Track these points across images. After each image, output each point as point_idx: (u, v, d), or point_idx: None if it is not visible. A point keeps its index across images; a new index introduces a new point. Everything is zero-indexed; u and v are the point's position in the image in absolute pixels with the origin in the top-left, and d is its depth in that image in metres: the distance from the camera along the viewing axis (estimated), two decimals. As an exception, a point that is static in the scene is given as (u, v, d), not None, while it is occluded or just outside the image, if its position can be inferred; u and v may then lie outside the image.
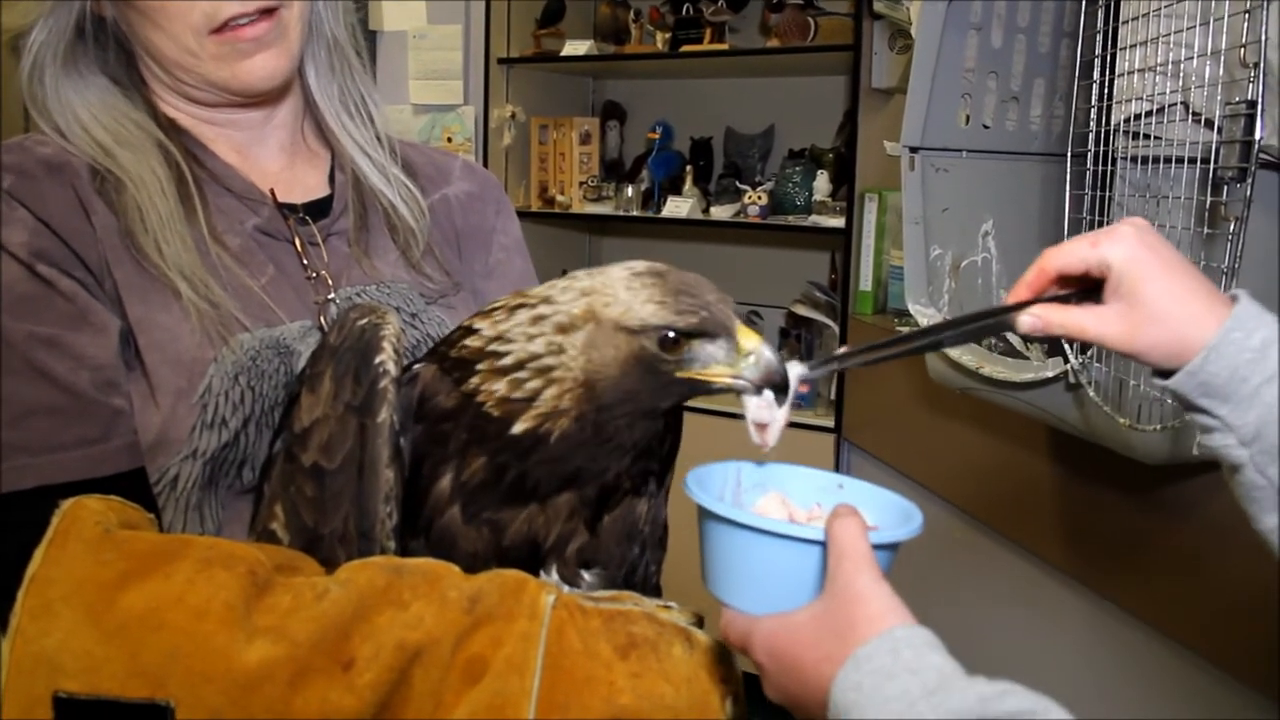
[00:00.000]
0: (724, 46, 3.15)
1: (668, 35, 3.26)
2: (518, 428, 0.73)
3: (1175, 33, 1.21)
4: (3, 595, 0.67)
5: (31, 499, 0.74)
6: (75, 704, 0.64)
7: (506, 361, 0.74)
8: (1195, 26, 1.17)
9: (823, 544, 0.68)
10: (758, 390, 0.73)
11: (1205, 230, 1.16)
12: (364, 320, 0.79)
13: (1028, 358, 1.77)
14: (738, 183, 3.25)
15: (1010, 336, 1.84)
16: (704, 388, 0.74)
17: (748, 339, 0.73)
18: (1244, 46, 1.11)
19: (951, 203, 1.85)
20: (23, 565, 0.67)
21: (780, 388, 0.73)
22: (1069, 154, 1.44)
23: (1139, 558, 1.70)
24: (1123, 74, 1.31)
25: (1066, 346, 1.42)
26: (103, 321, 0.82)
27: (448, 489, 0.77)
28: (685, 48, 3.20)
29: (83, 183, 0.87)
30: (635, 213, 3.37)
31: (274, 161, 0.99)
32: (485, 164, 3.27)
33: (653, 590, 0.89)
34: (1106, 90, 1.35)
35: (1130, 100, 1.31)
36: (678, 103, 3.63)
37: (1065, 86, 1.84)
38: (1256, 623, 1.44)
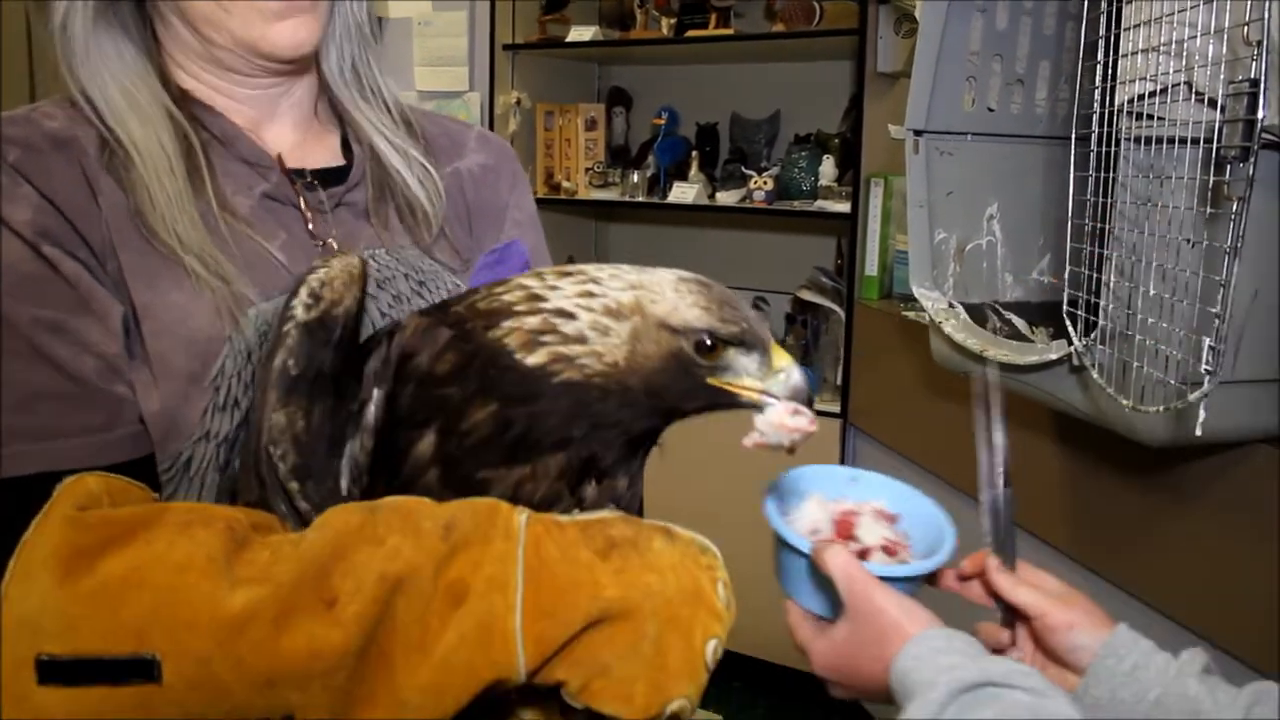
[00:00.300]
0: (729, 31, 3.14)
1: (673, 21, 3.25)
2: (532, 359, 0.73)
3: (1179, 12, 1.20)
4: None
5: (33, 485, 0.73)
6: (58, 665, 0.64)
7: (552, 304, 0.75)
8: (1199, 5, 1.16)
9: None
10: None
11: (1208, 210, 1.16)
12: (310, 267, 0.80)
13: (1032, 340, 1.77)
14: (743, 168, 3.25)
15: (1015, 319, 1.84)
16: (729, 399, 0.75)
17: (780, 357, 0.75)
18: (1247, 25, 1.10)
19: (956, 186, 1.85)
20: None
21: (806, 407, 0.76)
22: (1073, 136, 1.44)
23: (1142, 540, 1.70)
24: (1126, 54, 1.31)
25: (1070, 329, 1.42)
26: (105, 307, 0.81)
27: (429, 451, 0.77)
28: (690, 33, 3.19)
29: (90, 160, 0.85)
30: (641, 199, 3.37)
31: (286, 139, 0.98)
32: (491, 150, 3.27)
33: None
34: (1110, 71, 1.34)
35: (1134, 81, 1.30)
36: (683, 88, 3.62)
37: (1070, 68, 1.83)
38: (1259, 604, 1.44)
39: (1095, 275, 1.38)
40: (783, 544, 0.86)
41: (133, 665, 0.64)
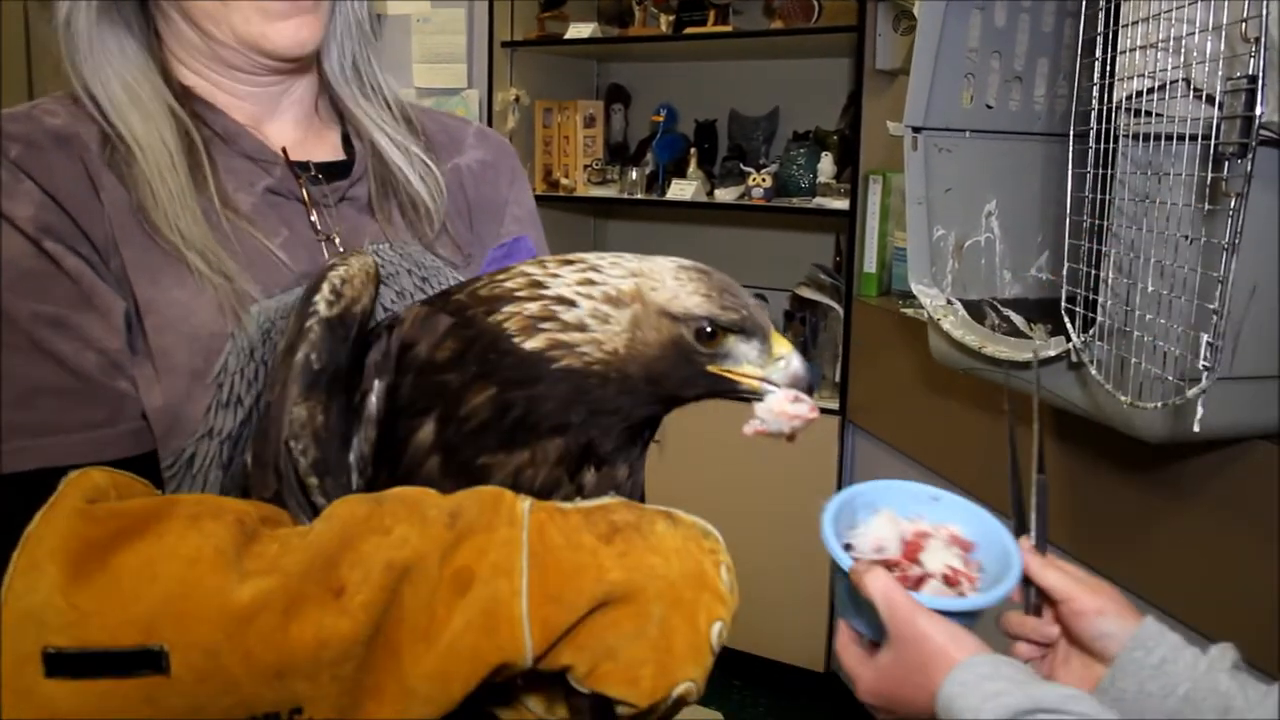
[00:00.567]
0: (728, 29, 3.15)
1: (671, 18, 3.25)
2: (531, 343, 0.74)
3: (1177, 8, 1.20)
4: (1, 575, 0.67)
5: (33, 481, 0.73)
6: (65, 658, 0.64)
7: (553, 292, 0.75)
8: (1197, 2, 1.16)
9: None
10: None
11: (1206, 206, 1.16)
12: (328, 263, 0.80)
13: (1030, 337, 1.78)
14: (742, 165, 3.25)
15: (1013, 316, 1.84)
16: (729, 386, 0.75)
17: (780, 344, 0.75)
18: (1245, 21, 1.10)
19: (954, 183, 1.85)
20: None
21: (806, 394, 0.76)
22: (1071, 133, 1.44)
23: (1140, 536, 1.70)
24: (1124, 51, 1.31)
25: (1069, 325, 1.43)
26: (107, 303, 0.81)
27: (429, 439, 0.77)
28: (689, 30, 3.19)
29: (92, 156, 0.85)
30: (640, 196, 3.37)
31: (288, 135, 0.98)
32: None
33: None
34: (1109, 68, 1.34)
35: (1132, 77, 1.30)
36: (682, 85, 3.62)
37: (1069, 65, 1.83)
38: (1257, 600, 1.45)
39: (1094, 272, 1.39)
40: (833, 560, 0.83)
41: (140, 657, 0.64)
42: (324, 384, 0.76)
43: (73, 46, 0.88)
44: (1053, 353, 1.48)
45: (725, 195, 3.22)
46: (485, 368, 0.75)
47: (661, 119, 3.46)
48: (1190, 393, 1.15)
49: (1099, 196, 1.38)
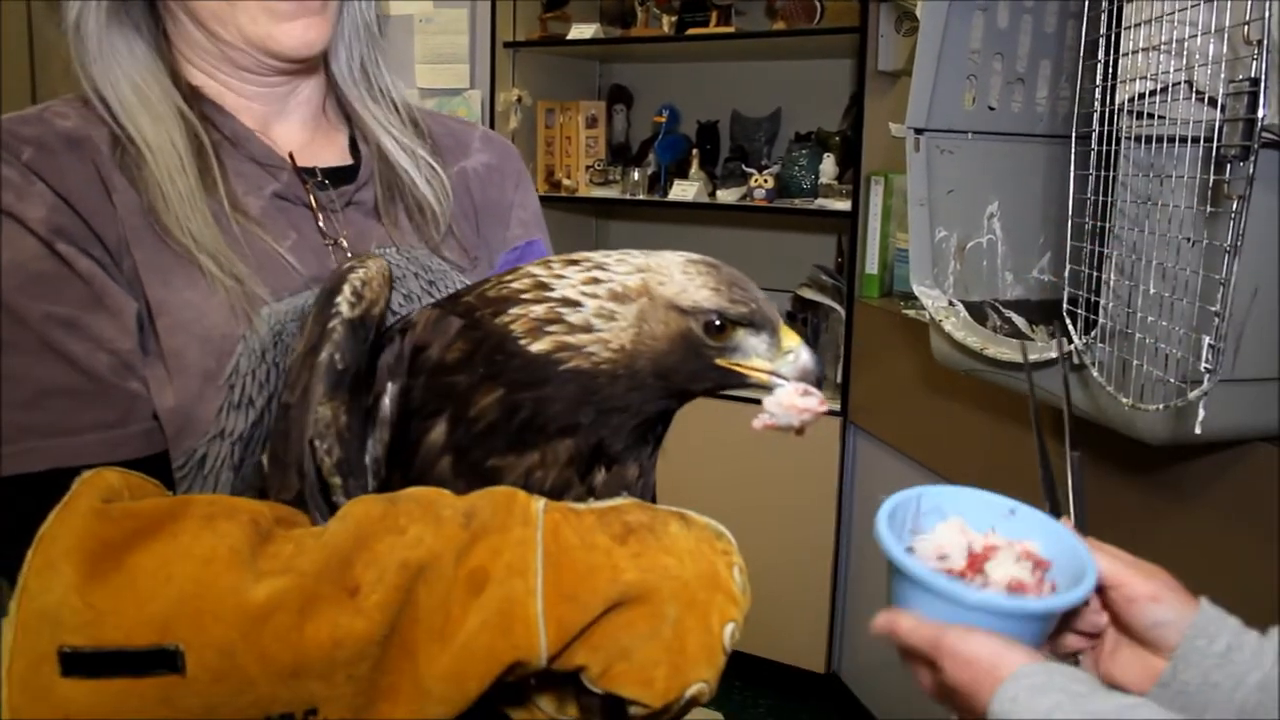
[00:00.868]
0: (730, 29, 3.15)
1: (674, 18, 3.25)
2: (537, 346, 0.74)
3: (1179, 11, 1.21)
4: (14, 576, 0.67)
5: (47, 481, 0.73)
6: (80, 657, 0.64)
7: (558, 294, 0.75)
8: (1199, 4, 1.16)
9: (980, 609, 0.72)
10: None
11: (1208, 209, 1.16)
12: (347, 265, 0.81)
13: (1032, 339, 1.78)
14: (744, 166, 3.25)
15: (1015, 317, 1.84)
16: (738, 379, 0.75)
17: (789, 337, 0.75)
18: (1247, 24, 1.10)
19: (957, 184, 1.86)
20: None
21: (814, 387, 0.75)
22: (1073, 134, 1.44)
23: (1142, 538, 1.70)
24: (1127, 53, 1.31)
25: (1070, 326, 1.43)
26: (119, 304, 0.81)
27: (440, 440, 0.77)
28: (691, 31, 3.20)
29: (104, 158, 0.85)
30: (642, 196, 3.37)
31: (295, 137, 0.99)
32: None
33: None
34: (1111, 70, 1.35)
35: (1134, 79, 1.30)
36: (684, 86, 3.63)
37: (1071, 67, 1.83)
38: (1259, 602, 1.44)
39: (1095, 274, 1.39)
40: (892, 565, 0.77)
41: (156, 656, 0.64)
42: (346, 384, 0.77)
43: (82, 49, 0.88)
44: (1055, 354, 1.48)
45: (727, 196, 3.23)
46: (493, 369, 0.75)
47: (664, 120, 3.47)
48: (1192, 395, 1.15)
49: (1101, 198, 1.38)
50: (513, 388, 0.75)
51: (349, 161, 1.01)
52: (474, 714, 0.69)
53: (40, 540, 0.67)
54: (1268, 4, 1.06)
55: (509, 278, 0.79)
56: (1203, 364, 1.13)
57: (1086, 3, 1.40)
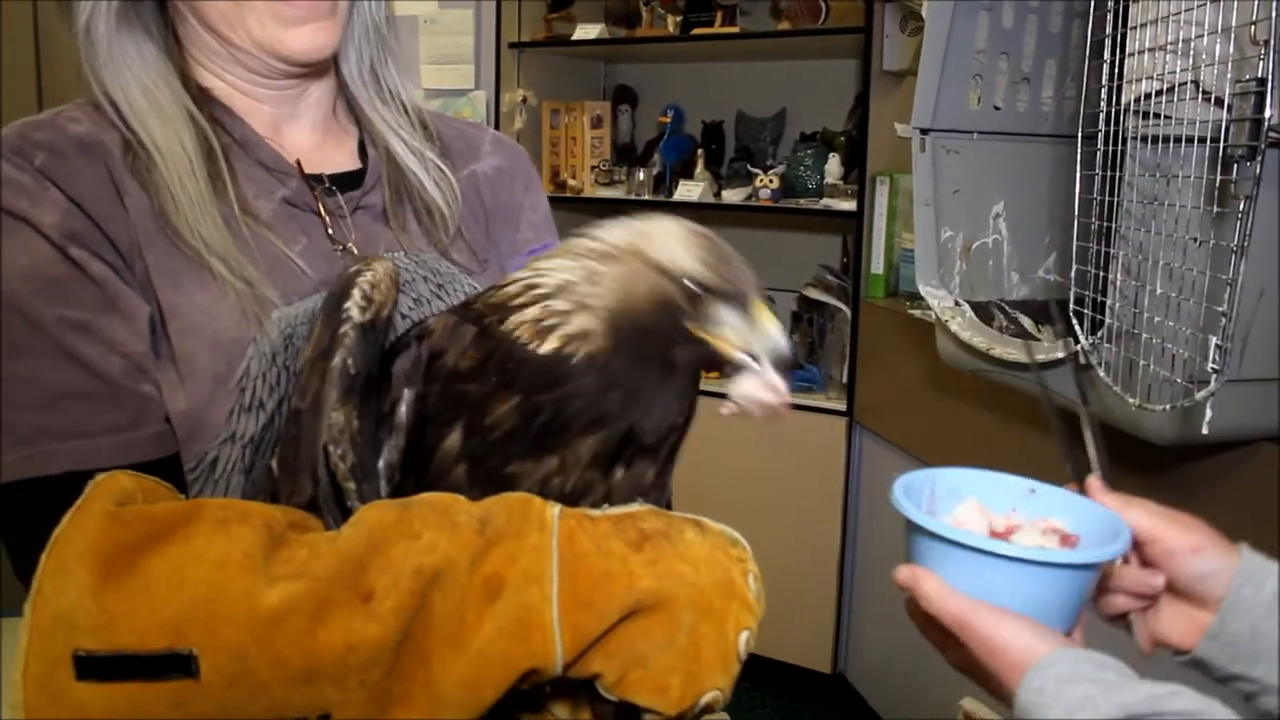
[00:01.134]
0: (735, 30, 3.15)
1: (679, 19, 3.25)
2: (545, 347, 0.74)
3: (1185, 10, 1.21)
4: (29, 579, 0.67)
5: (60, 484, 0.73)
6: (95, 661, 0.64)
7: (544, 289, 0.76)
8: (1205, 4, 1.16)
9: (1026, 561, 0.71)
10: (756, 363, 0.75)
11: (1215, 209, 1.16)
12: (354, 268, 0.81)
13: (1039, 339, 1.78)
14: (749, 166, 3.25)
15: (1021, 317, 1.84)
16: (709, 353, 0.75)
17: (765, 317, 0.75)
18: (1254, 24, 1.10)
19: (962, 184, 1.86)
20: None
21: (781, 370, 0.75)
22: (1079, 135, 1.44)
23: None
24: (1133, 53, 1.31)
25: (1077, 326, 1.43)
26: (132, 308, 0.81)
27: (455, 447, 0.77)
28: (696, 31, 3.20)
29: (115, 162, 0.86)
30: (647, 196, 3.38)
31: (305, 139, 0.99)
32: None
33: None
34: (1117, 70, 1.34)
35: (1140, 79, 1.30)
36: (689, 86, 3.63)
37: (1077, 67, 1.83)
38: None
39: (1102, 274, 1.39)
40: (914, 529, 0.75)
41: (169, 660, 0.64)
42: (358, 389, 0.77)
43: (92, 52, 0.89)
44: (1061, 355, 1.48)
45: (732, 196, 3.23)
46: (505, 377, 0.76)
47: (669, 120, 3.47)
48: (1199, 395, 1.15)
49: (1107, 198, 1.38)
50: (529, 392, 0.75)
51: (358, 165, 1.01)
52: None
53: (54, 543, 0.67)
54: (1275, 4, 1.06)
55: (504, 283, 0.80)
56: (1209, 364, 1.13)
57: (1092, 2, 1.40)
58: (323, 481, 0.76)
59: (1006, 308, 1.87)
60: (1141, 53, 1.30)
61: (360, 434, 0.76)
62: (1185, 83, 1.25)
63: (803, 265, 3.28)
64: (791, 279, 3.26)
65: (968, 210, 1.86)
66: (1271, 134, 1.11)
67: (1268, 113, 1.09)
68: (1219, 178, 1.15)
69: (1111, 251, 1.36)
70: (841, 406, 2.92)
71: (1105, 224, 1.38)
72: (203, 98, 0.93)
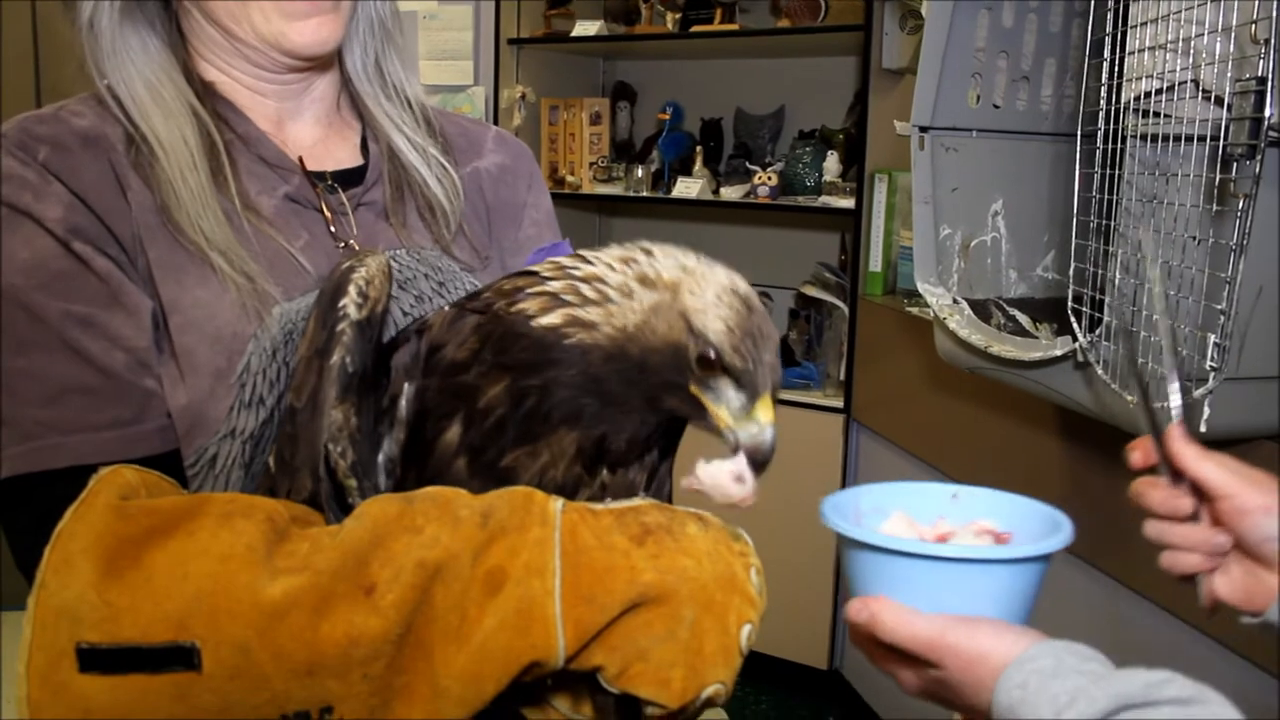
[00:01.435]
0: (734, 27, 3.15)
1: (678, 16, 3.26)
2: (546, 320, 0.74)
3: (1186, 9, 1.21)
4: (32, 573, 0.67)
5: (64, 478, 0.74)
6: (98, 653, 0.64)
7: (580, 274, 0.75)
8: (1206, 3, 1.17)
9: (962, 560, 0.72)
10: (735, 452, 0.74)
11: (1214, 207, 1.17)
12: (347, 264, 0.80)
13: (1036, 337, 1.78)
14: (748, 163, 3.26)
15: (1019, 315, 1.84)
16: (699, 415, 0.74)
17: (765, 411, 0.74)
18: (1254, 23, 1.10)
19: (961, 182, 1.86)
20: None
21: (757, 468, 0.74)
22: (1079, 133, 1.44)
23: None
24: (1133, 52, 1.31)
25: (1075, 325, 1.43)
26: (135, 303, 0.81)
27: (455, 441, 0.78)
28: (695, 28, 3.20)
29: (119, 156, 0.85)
30: (645, 193, 3.38)
31: (308, 134, 0.99)
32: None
33: None
34: (1117, 68, 1.35)
35: (1140, 78, 1.31)
36: (688, 83, 3.63)
37: (1076, 65, 1.84)
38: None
39: (1100, 272, 1.39)
40: (856, 548, 0.75)
41: (172, 653, 0.64)
42: (355, 386, 0.77)
43: (95, 46, 0.88)
44: (1059, 352, 1.48)
45: (731, 193, 3.23)
46: (500, 357, 0.76)
47: (667, 117, 3.47)
48: (1197, 393, 1.16)
49: (1106, 197, 1.38)
50: (519, 373, 0.75)
51: (360, 161, 1.01)
52: (488, 713, 0.70)
53: (58, 537, 0.67)
54: (1275, 3, 1.07)
55: (535, 267, 0.79)
56: (1208, 362, 1.13)
57: (1092, 1, 1.40)
58: (324, 479, 0.76)
59: (1005, 306, 1.87)
60: (1141, 51, 1.30)
61: (359, 431, 0.76)
62: (1185, 81, 1.25)
63: (801, 262, 3.28)
64: (790, 276, 3.27)
65: (966, 208, 1.87)
66: (1271, 133, 1.12)
67: (1267, 111, 1.10)
68: (1218, 176, 1.15)
69: (1110, 249, 1.36)
70: (839, 404, 2.92)
71: (1104, 222, 1.39)
72: (206, 92, 0.92)
